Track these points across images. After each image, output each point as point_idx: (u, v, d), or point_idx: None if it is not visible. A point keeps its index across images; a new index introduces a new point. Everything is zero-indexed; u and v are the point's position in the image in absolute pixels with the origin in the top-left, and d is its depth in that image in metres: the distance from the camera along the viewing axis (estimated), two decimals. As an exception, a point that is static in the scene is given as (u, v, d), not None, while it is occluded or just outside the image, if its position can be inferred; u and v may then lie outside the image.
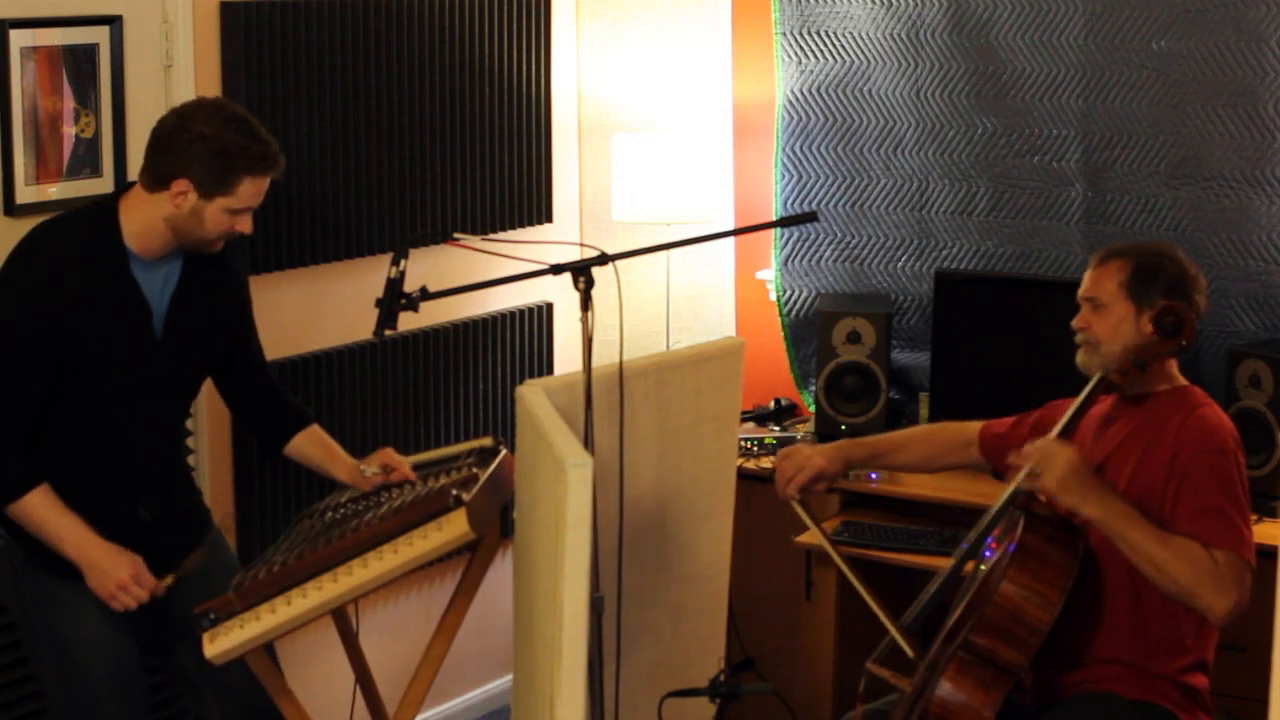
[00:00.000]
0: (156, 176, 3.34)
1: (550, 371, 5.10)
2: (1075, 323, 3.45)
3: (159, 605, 3.44)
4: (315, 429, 3.77)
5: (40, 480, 3.32)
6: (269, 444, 3.83)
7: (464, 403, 4.85)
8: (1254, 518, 3.99)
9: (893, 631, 3.38)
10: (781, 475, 3.69)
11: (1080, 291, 3.46)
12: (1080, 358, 3.45)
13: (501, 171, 4.91)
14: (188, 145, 3.30)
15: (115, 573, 3.34)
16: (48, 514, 3.32)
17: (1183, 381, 3.44)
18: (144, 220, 3.36)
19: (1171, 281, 3.38)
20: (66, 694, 3.47)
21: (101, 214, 3.38)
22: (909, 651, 3.38)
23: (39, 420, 3.34)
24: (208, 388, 3.74)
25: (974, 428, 3.76)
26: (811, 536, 4.42)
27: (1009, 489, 3.36)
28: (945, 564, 3.48)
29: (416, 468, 3.77)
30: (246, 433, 4.20)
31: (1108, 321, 3.39)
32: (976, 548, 3.44)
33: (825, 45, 4.88)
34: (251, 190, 3.36)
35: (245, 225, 3.40)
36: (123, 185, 3.64)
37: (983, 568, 3.45)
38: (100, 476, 3.42)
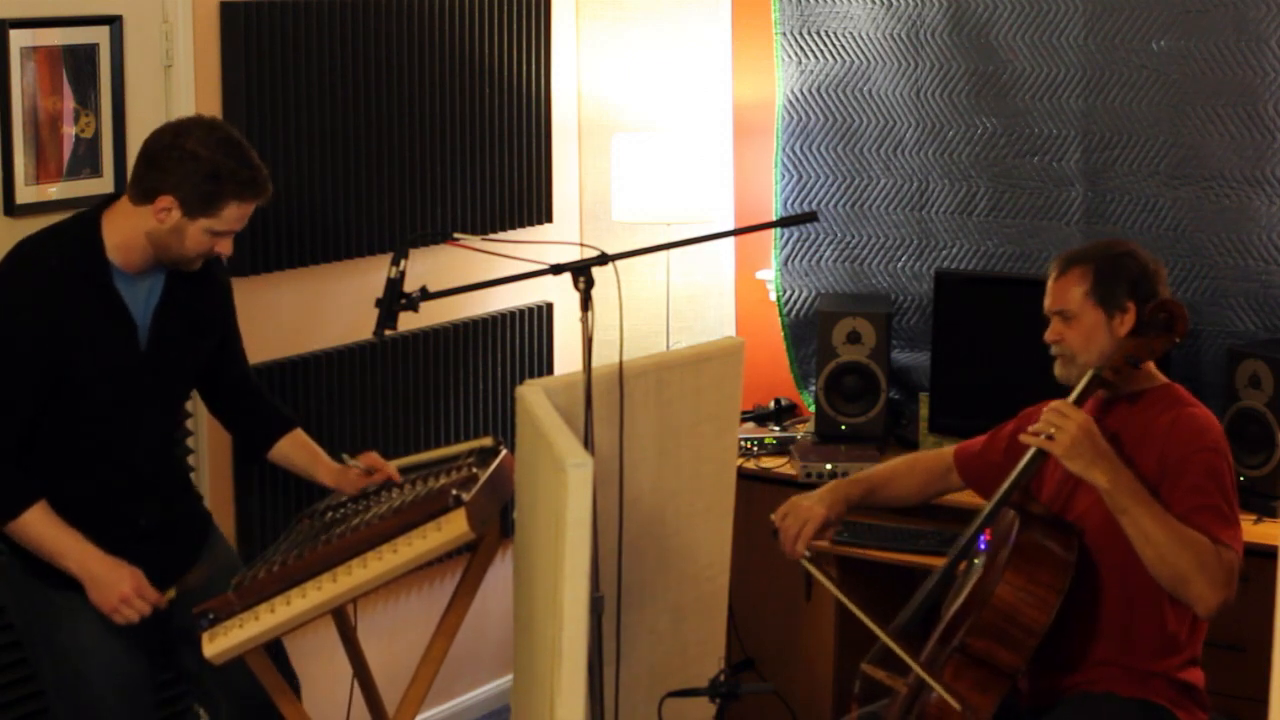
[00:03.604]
0: (143, 190, 3.33)
1: (550, 371, 5.10)
2: (1048, 336, 3.42)
3: (160, 616, 3.43)
4: (299, 433, 3.76)
5: (38, 497, 3.32)
6: (251, 448, 3.82)
7: (464, 403, 4.85)
8: (1253, 518, 4.00)
9: (888, 642, 3.31)
10: (787, 535, 3.56)
11: (1046, 305, 3.43)
12: (1058, 370, 3.43)
13: (501, 171, 4.91)
14: (179, 163, 3.29)
15: (117, 586, 3.33)
16: (47, 530, 3.32)
17: (1163, 379, 3.42)
18: (126, 233, 3.35)
19: (1134, 279, 3.36)
20: (69, 704, 3.47)
21: (84, 227, 3.37)
22: (908, 660, 3.32)
23: (32, 434, 3.33)
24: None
25: (949, 453, 3.72)
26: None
27: (1024, 460, 3.32)
28: (944, 563, 3.48)
29: (417, 468, 3.77)
30: (230, 436, 4.19)
31: (1080, 332, 3.37)
32: (971, 544, 3.43)
33: (825, 45, 4.88)
34: (236, 214, 3.35)
35: (225, 247, 3.40)
36: (109, 195, 3.63)
37: (976, 561, 3.44)
38: (96, 486, 3.41)
